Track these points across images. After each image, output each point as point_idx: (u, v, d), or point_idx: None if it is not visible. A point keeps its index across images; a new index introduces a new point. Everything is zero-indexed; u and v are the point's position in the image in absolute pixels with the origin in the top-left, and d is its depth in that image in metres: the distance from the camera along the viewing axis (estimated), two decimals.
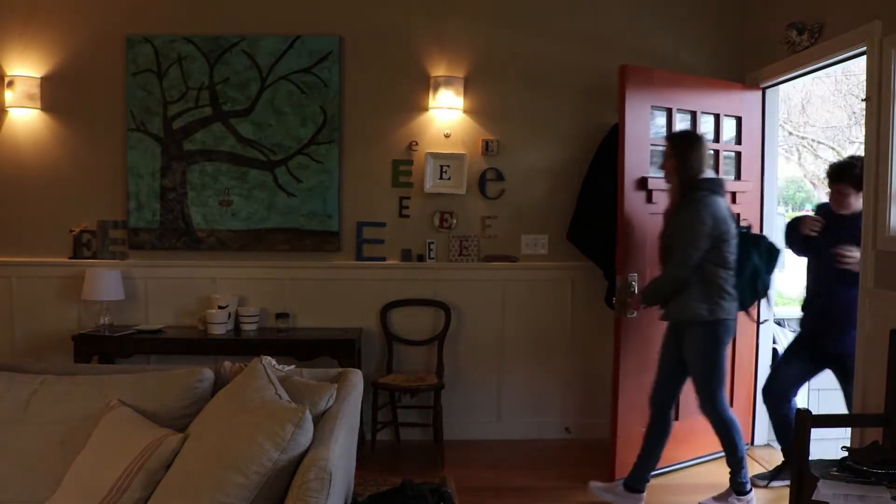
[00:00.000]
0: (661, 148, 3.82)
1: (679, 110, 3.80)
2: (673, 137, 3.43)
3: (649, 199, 3.71)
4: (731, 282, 3.28)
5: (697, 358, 3.29)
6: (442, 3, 4.25)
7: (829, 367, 3.49)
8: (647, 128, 3.69)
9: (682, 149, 3.30)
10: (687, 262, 3.21)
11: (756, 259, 3.37)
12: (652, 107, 3.71)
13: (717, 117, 3.93)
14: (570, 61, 4.27)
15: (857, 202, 3.27)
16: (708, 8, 4.33)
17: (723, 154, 3.97)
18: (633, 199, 3.65)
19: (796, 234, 3.54)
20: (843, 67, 3.99)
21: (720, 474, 3.70)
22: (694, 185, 3.25)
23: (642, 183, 3.67)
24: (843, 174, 3.32)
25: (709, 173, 3.33)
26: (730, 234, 3.24)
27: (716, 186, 3.29)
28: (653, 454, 3.39)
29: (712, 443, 3.97)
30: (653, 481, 3.52)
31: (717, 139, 3.94)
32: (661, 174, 3.74)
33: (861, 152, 3.20)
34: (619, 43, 4.25)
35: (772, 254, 3.45)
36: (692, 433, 3.87)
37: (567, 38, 4.27)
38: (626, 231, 3.62)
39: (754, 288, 3.38)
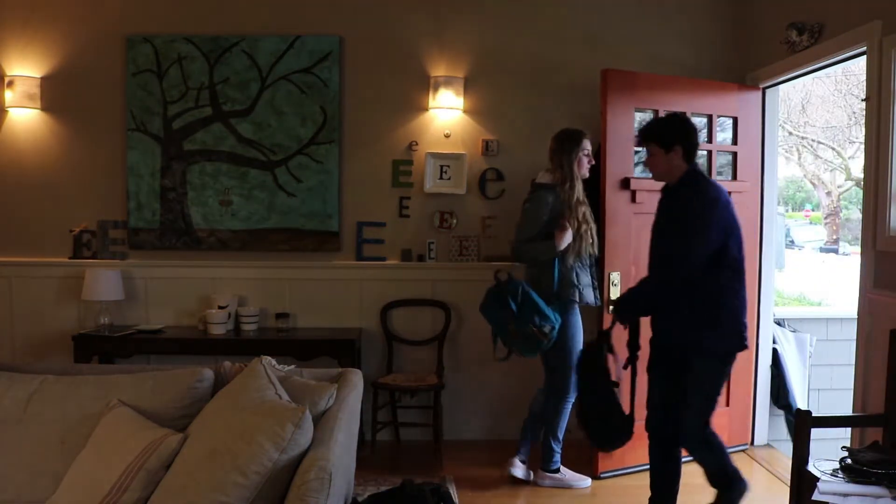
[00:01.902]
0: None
1: (666, 112, 3.79)
2: None
3: (633, 199, 3.78)
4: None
5: None
6: (442, 3, 4.25)
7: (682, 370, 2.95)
8: (631, 129, 3.75)
9: None
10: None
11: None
12: (636, 109, 3.77)
13: (709, 118, 3.95)
14: (571, 61, 4.26)
15: (664, 163, 2.94)
16: (708, 8, 4.33)
17: (716, 155, 3.97)
18: (616, 199, 3.74)
19: None
20: (843, 67, 3.98)
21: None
22: None
23: (625, 183, 3.75)
24: (643, 134, 3.03)
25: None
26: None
27: None
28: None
29: None
30: (638, 481, 3.55)
31: (710, 140, 3.95)
32: (646, 174, 3.84)
33: (861, 152, 3.18)
34: (620, 43, 4.25)
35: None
36: None
37: (567, 38, 4.27)
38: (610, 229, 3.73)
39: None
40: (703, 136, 3.99)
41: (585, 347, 3.38)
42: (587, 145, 3.58)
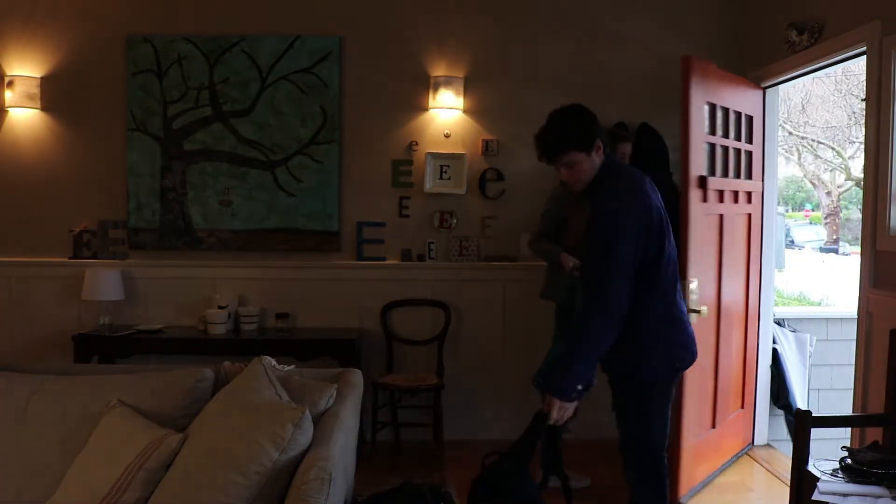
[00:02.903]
0: (712, 143, 3.56)
1: (720, 107, 3.63)
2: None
3: (704, 199, 3.44)
4: None
5: None
6: (442, 3, 4.25)
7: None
8: (703, 124, 3.46)
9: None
10: None
11: None
12: (707, 102, 3.48)
13: (738, 115, 3.82)
14: (570, 60, 4.27)
15: (589, 169, 2.41)
16: (708, 7, 4.34)
17: (744, 152, 3.88)
18: (695, 201, 3.37)
19: None
20: (843, 67, 3.98)
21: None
22: None
23: (701, 182, 3.39)
24: (554, 146, 2.44)
25: None
26: None
27: None
28: None
29: (731, 447, 3.97)
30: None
31: (738, 137, 3.81)
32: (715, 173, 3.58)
33: (861, 152, 3.16)
34: (618, 42, 4.25)
35: None
36: (721, 438, 3.84)
37: (566, 36, 4.27)
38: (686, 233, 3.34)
39: None
40: (735, 133, 3.81)
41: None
42: (627, 149, 3.53)
